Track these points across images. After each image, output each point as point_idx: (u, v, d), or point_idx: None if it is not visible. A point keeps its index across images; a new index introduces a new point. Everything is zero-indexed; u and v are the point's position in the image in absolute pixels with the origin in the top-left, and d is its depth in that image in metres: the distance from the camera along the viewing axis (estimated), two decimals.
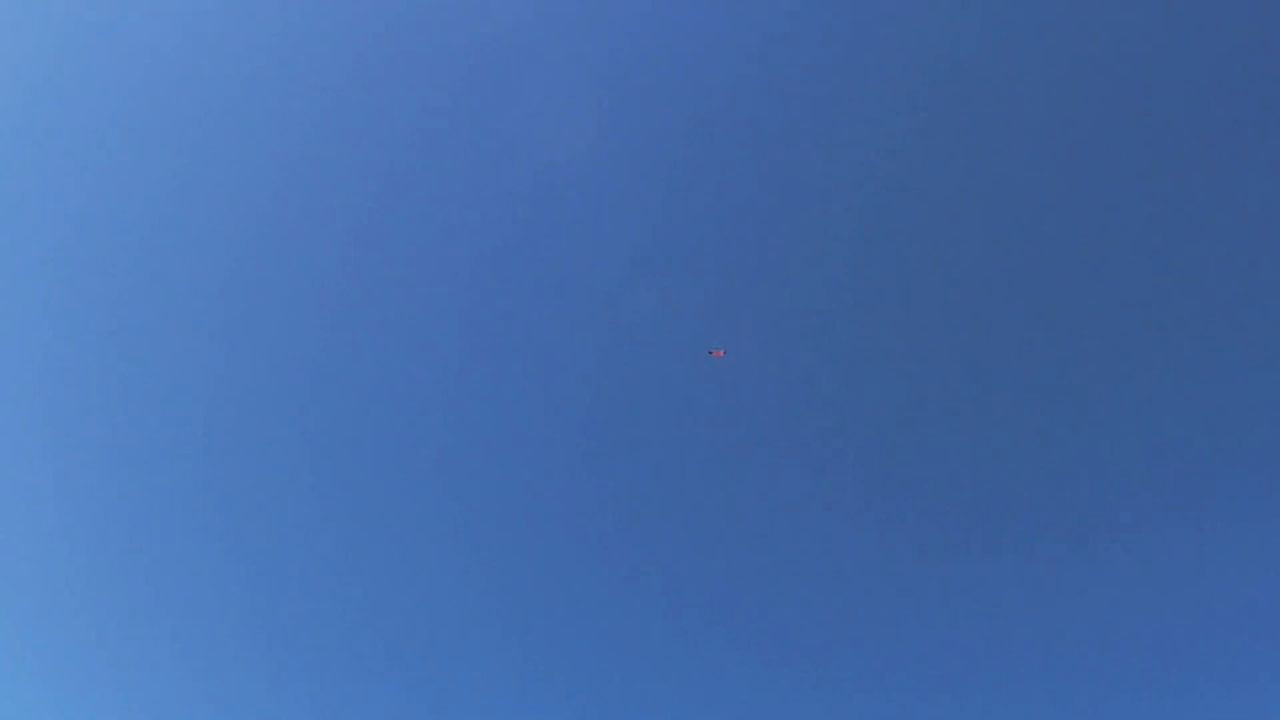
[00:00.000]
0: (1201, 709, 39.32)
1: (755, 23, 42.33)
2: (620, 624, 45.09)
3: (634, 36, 43.16)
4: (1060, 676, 41.55)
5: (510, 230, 45.49)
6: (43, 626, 47.34)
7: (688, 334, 45.10)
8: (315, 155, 45.61)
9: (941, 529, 43.42)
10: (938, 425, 43.41)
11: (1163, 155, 39.92)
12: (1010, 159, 41.90)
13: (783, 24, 42.10)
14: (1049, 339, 42.36)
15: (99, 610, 47.58)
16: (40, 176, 45.86)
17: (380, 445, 46.65)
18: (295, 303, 46.03)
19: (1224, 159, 39.06)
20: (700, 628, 44.67)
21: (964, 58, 41.01)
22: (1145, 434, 41.49)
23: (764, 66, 42.72)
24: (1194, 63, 38.61)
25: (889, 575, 44.19)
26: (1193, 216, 40.04)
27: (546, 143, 44.49)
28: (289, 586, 46.96)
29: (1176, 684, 39.82)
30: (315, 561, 47.02)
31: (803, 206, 43.87)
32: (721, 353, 36.31)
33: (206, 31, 44.73)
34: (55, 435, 46.85)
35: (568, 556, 46.04)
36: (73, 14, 44.94)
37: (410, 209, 45.79)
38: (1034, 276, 42.21)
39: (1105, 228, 41.03)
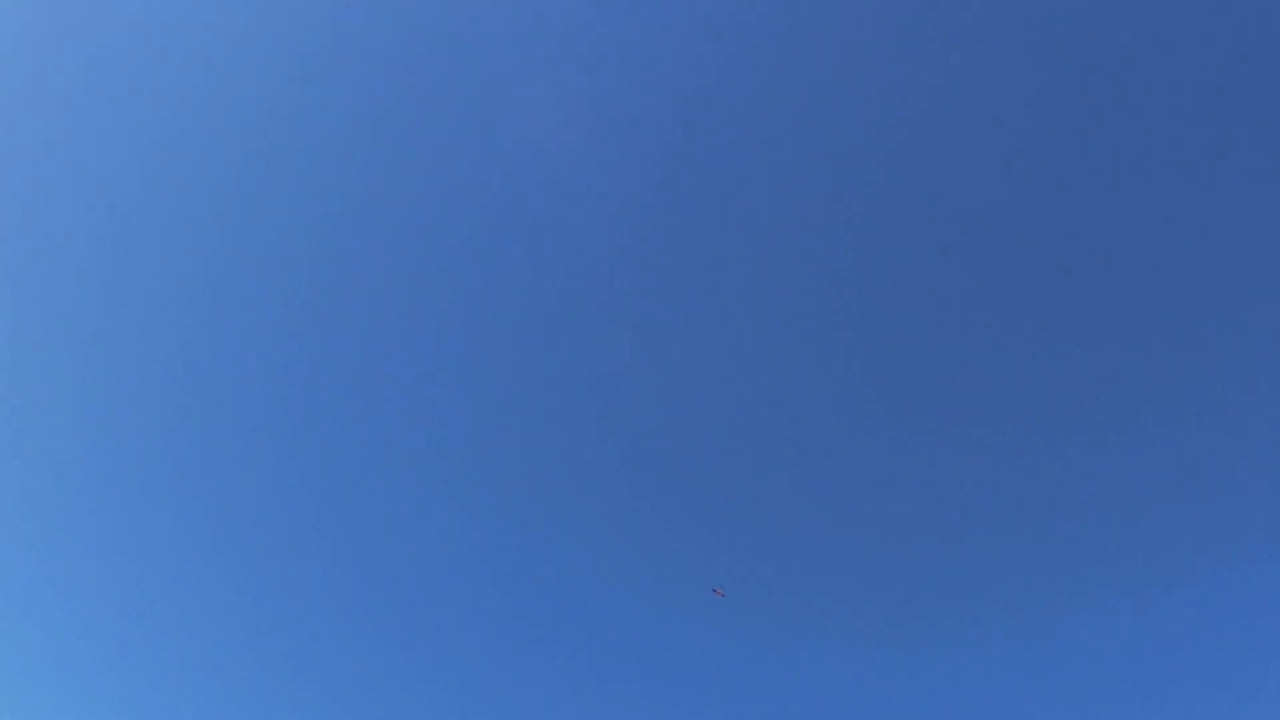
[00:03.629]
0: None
1: (751, 20, 42.01)
2: (623, 617, 45.07)
3: (627, 31, 42.81)
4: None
5: (499, 223, 45.25)
6: (39, 626, 47.17)
7: (678, 325, 45.02)
8: (305, 151, 45.27)
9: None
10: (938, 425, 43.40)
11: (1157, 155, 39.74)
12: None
13: (778, 21, 41.76)
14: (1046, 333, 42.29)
15: (95, 609, 47.47)
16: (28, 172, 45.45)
17: (372, 441, 46.50)
18: (288, 302, 45.81)
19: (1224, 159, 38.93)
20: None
21: (961, 56, 40.76)
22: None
23: (758, 63, 42.45)
24: (1194, 63, 38.45)
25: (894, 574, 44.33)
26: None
27: (541, 136, 44.13)
28: (286, 584, 46.90)
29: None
30: (311, 560, 46.95)
31: (795, 200, 43.73)
32: (721, 592, 40.40)
33: (189, 22, 43.82)
34: (52, 433, 46.63)
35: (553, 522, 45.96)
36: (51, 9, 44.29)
37: (405, 205, 45.54)
38: (1025, 281, 42.10)
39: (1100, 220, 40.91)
